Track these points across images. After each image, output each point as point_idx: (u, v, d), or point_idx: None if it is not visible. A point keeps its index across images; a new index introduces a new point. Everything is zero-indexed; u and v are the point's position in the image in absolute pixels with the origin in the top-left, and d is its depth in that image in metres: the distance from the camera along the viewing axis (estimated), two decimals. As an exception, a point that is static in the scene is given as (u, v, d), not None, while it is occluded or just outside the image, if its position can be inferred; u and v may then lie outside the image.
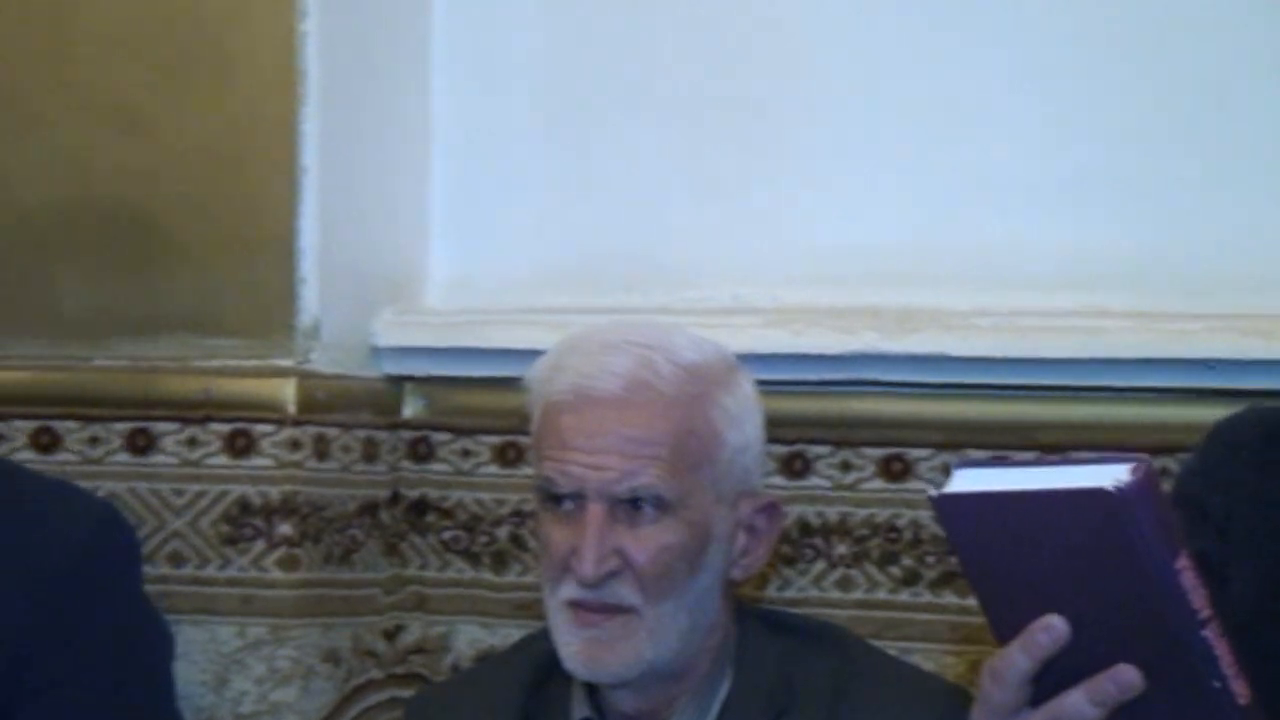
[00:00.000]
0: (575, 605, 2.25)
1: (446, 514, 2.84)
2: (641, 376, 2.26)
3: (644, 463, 2.24)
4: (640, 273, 2.84)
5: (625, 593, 2.25)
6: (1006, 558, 1.71)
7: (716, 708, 2.33)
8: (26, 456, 2.70)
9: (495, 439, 2.83)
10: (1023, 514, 1.69)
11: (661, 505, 2.25)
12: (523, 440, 2.78)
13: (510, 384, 2.77)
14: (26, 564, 2.29)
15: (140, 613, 2.41)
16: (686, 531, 2.25)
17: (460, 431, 2.84)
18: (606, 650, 2.26)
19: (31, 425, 2.72)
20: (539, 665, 2.40)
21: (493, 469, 2.83)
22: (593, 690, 2.35)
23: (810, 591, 2.68)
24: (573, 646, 2.26)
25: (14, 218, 2.75)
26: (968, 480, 1.71)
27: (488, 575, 2.83)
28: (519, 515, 2.81)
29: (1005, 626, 1.74)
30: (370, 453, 2.80)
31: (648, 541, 2.25)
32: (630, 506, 2.25)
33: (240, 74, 2.71)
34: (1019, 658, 1.77)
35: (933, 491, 1.72)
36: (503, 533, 2.83)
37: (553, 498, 2.27)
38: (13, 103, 2.76)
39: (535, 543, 2.74)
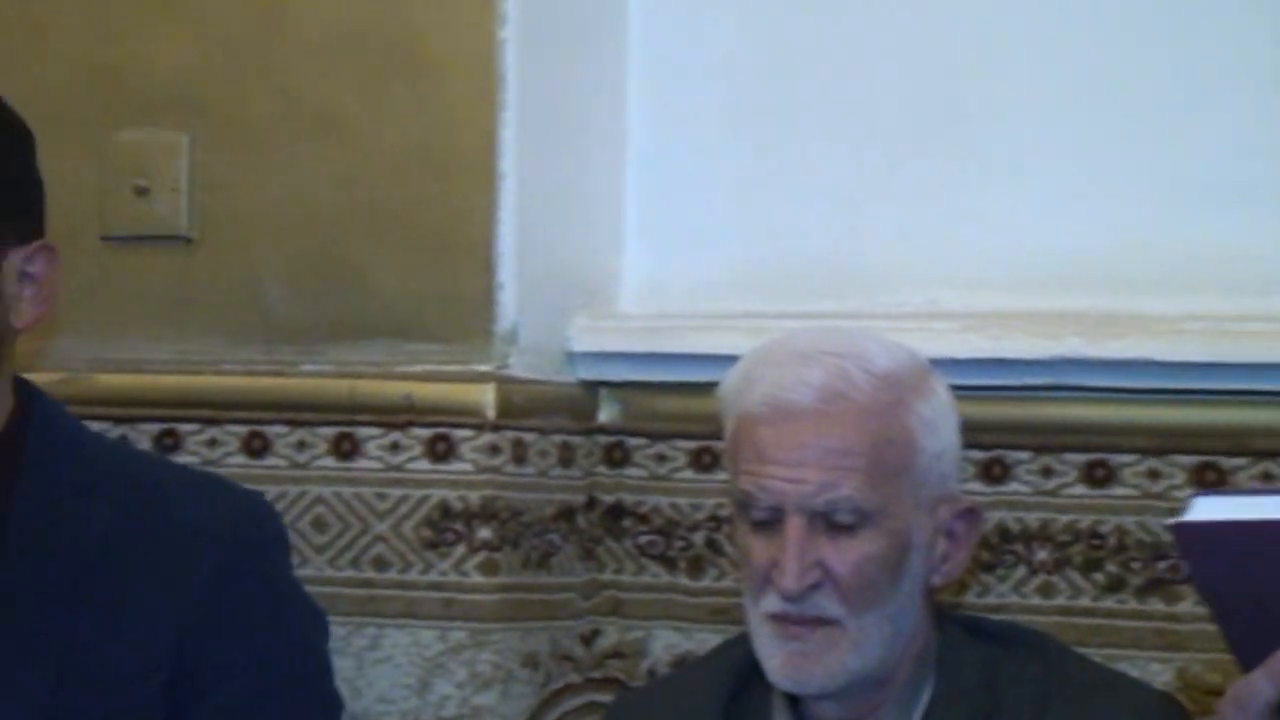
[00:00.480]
0: (778, 618, 2.23)
1: (642, 519, 2.83)
2: (836, 387, 2.23)
3: (842, 474, 2.22)
4: (835, 277, 2.81)
5: (828, 604, 2.23)
6: (1249, 585, 1.68)
7: (919, 714, 2.30)
8: (239, 461, 2.73)
9: (691, 444, 2.81)
10: (1266, 541, 1.65)
11: (861, 516, 2.22)
12: (718, 445, 2.75)
13: (705, 389, 2.74)
14: (180, 561, 2.27)
15: (294, 597, 2.40)
16: (886, 541, 2.22)
17: (655, 436, 2.83)
18: (811, 662, 2.24)
19: (244, 430, 2.75)
20: (738, 672, 2.38)
21: (688, 474, 2.82)
22: (794, 698, 2.32)
23: (1010, 598, 2.64)
24: (776, 659, 2.24)
25: (226, 224, 2.78)
26: (1208, 509, 1.69)
27: (684, 580, 2.81)
28: (715, 520, 2.80)
29: (1248, 653, 1.71)
30: (566, 457, 2.80)
31: (848, 553, 2.22)
32: (829, 518, 2.22)
33: (441, 81, 2.72)
34: (1263, 685, 1.73)
35: (1173, 520, 1.70)
36: (699, 538, 2.81)
37: (749, 511, 2.25)
38: (224, 110, 2.79)
39: (732, 549, 2.74)
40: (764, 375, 2.27)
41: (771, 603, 2.23)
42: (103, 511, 2.26)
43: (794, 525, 2.22)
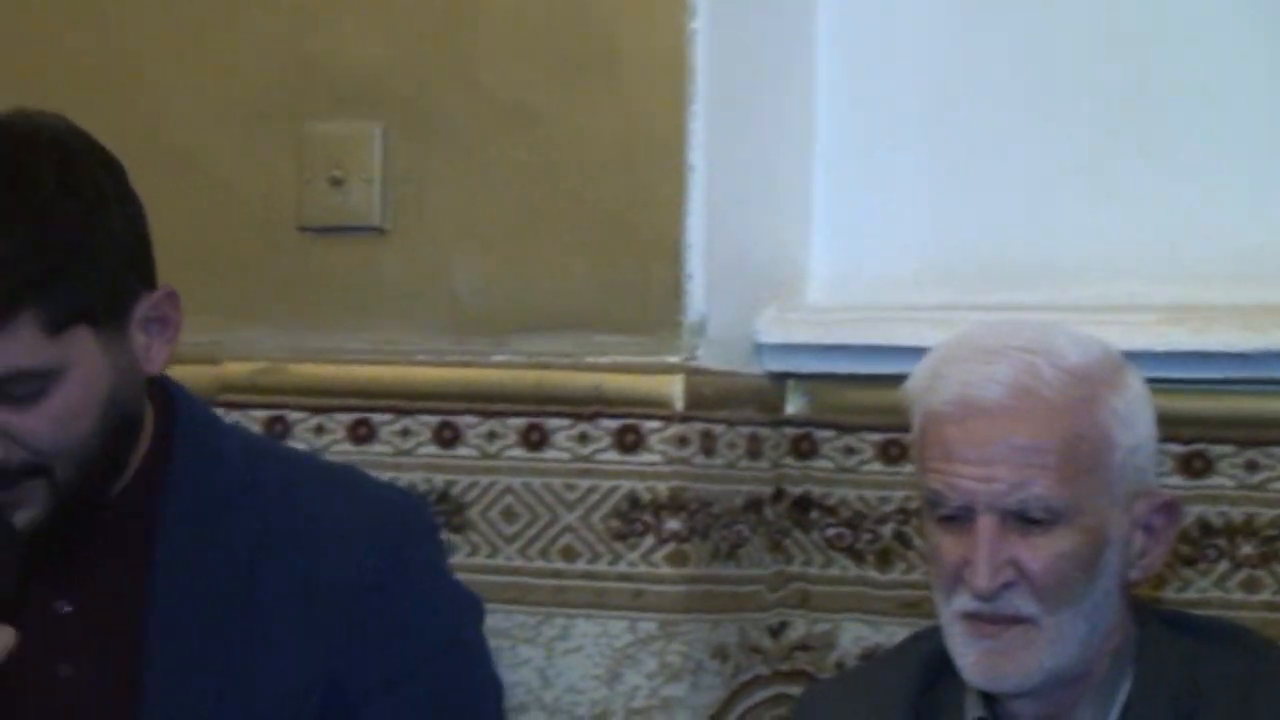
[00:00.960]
0: (970, 616, 2.20)
1: (830, 511, 2.80)
2: (1025, 383, 2.19)
3: (1033, 472, 2.18)
4: (1027, 269, 2.77)
5: (1022, 603, 2.19)
6: None
7: (1117, 710, 2.26)
8: (430, 451, 2.73)
9: (879, 436, 2.78)
10: None
11: (1053, 513, 2.18)
12: (906, 438, 2.70)
13: (894, 381, 2.68)
14: (327, 572, 2.26)
15: (443, 590, 2.36)
16: (1081, 537, 2.18)
17: (843, 428, 2.80)
18: (1006, 660, 2.20)
19: (435, 420, 2.74)
20: (929, 665, 2.35)
21: (876, 466, 2.79)
22: (988, 693, 2.29)
23: (1212, 593, 2.58)
24: (970, 658, 2.21)
25: (417, 215, 2.78)
26: None
27: (872, 573, 2.78)
28: (903, 513, 2.76)
29: None
30: (754, 449, 2.77)
31: (1042, 551, 2.18)
32: (1021, 516, 2.19)
33: (631, 72, 2.70)
34: None
35: None
36: (887, 530, 2.78)
37: (938, 508, 2.22)
38: (416, 102, 2.79)
39: (920, 542, 2.71)
40: (951, 372, 2.23)
41: (964, 601, 2.20)
42: (249, 524, 2.25)
43: (985, 524, 2.19)
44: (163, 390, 2.28)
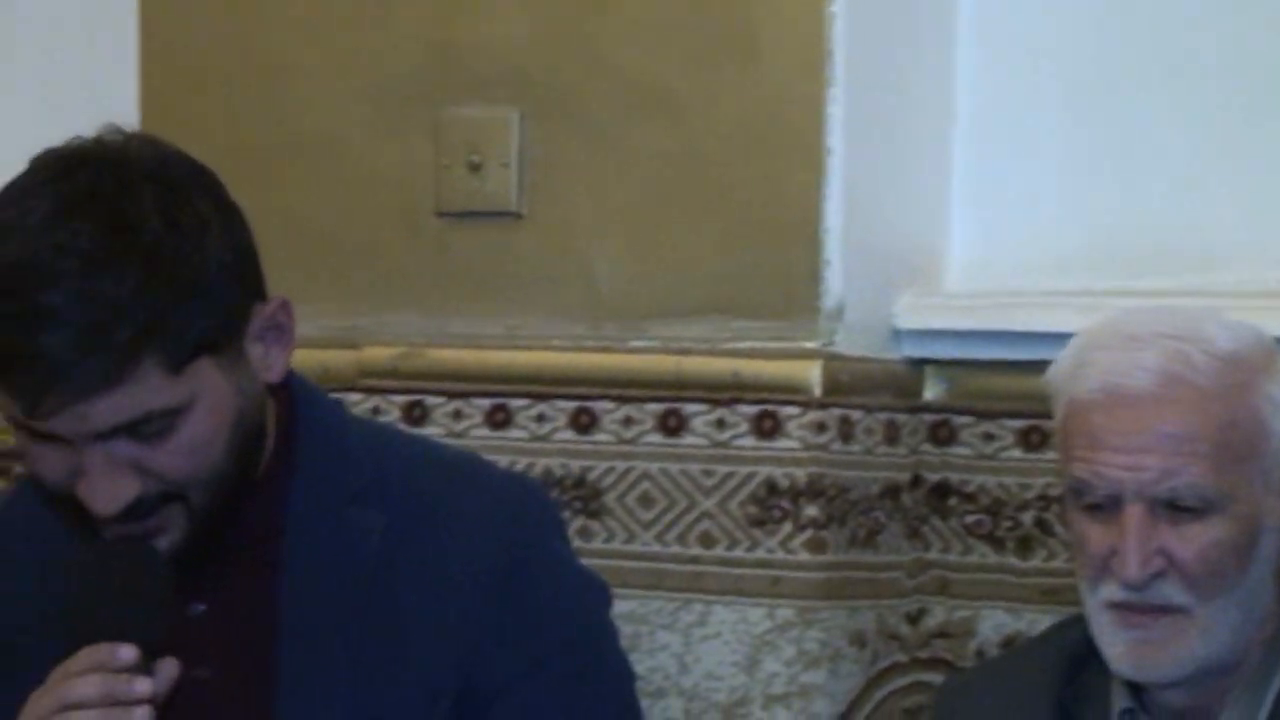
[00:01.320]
0: (1118, 606, 2.15)
1: (969, 498, 2.77)
2: (1175, 371, 2.15)
3: (1184, 460, 2.13)
4: (1173, 253, 2.72)
5: (1173, 592, 2.15)
6: None
7: (1270, 701, 2.21)
8: (566, 436, 2.72)
9: (1019, 423, 2.74)
10: None
11: (1206, 502, 2.13)
12: (1047, 424, 2.67)
13: (1035, 367, 2.65)
14: (457, 568, 2.22)
15: (571, 578, 2.31)
16: (1234, 526, 2.13)
17: (982, 415, 2.76)
18: (1156, 650, 2.16)
19: (571, 406, 2.73)
20: (1073, 655, 2.31)
21: (1016, 453, 2.75)
22: (1136, 683, 2.24)
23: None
24: (1118, 648, 2.16)
25: (554, 200, 2.77)
26: None
27: (1012, 560, 2.74)
28: (1044, 500, 2.72)
29: None
30: (892, 435, 2.74)
31: (1193, 540, 2.14)
32: (1172, 505, 2.14)
33: (770, 56, 2.67)
34: None
35: None
36: (1027, 518, 2.74)
37: (1084, 497, 2.17)
38: (554, 87, 2.78)
39: (1062, 530, 2.68)
40: (1096, 360, 2.18)
41: (1111, 591, 2.15)
42: (376, 518, 2.21)
43: (1133, 513, 2.14)
44: (284, 386, 2.23)
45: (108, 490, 2.04)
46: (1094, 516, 2.17)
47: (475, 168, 2.80)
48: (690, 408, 2.68)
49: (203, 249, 2.06)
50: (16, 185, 2.07)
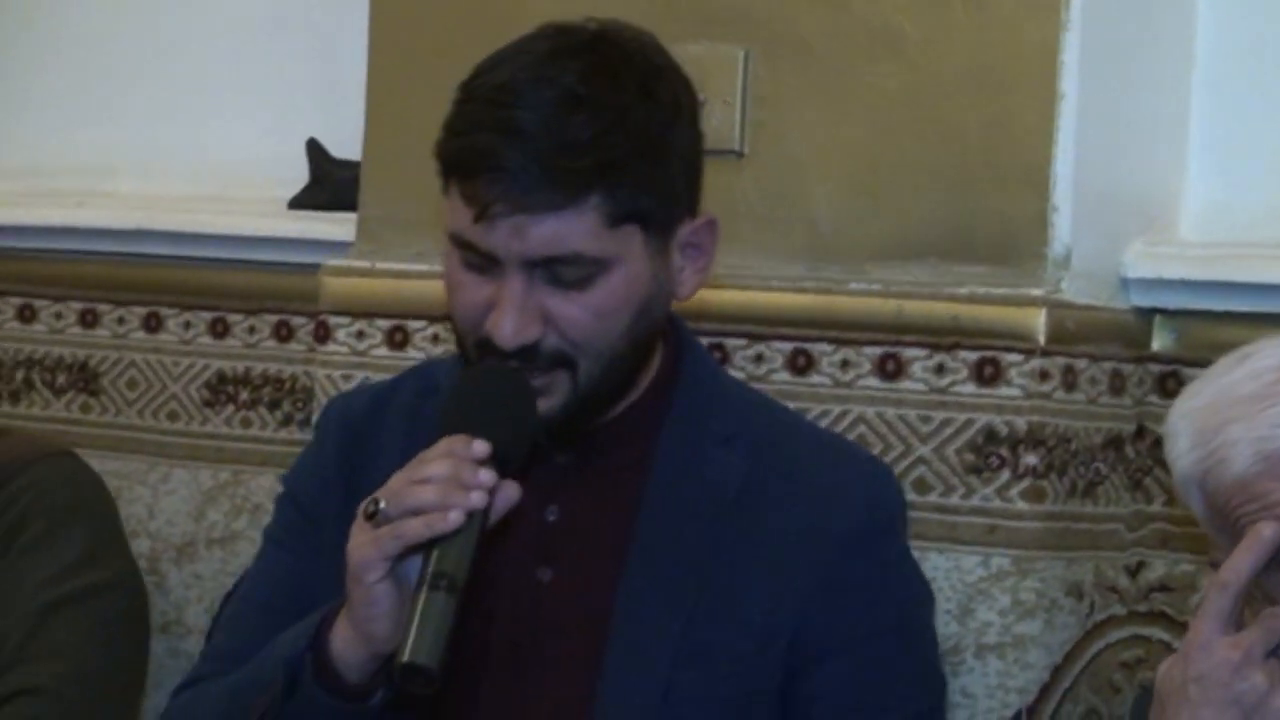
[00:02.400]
0: None
1: (1193, 451, 2.69)
2: None
3: None
4: None
5: None
6: None
7: None
8: (783, 378, 2.68)
9: (1249, 376, 2.66)
10: None
11: None
12: None
13: (1270, 320, 2.59)
14: (811, 523, 2.29)
15: (911, 572, 2.41)
16: None
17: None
18: None
19: (788, 347, 2.69)
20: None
21: (1245, 406, 2.66)
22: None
23: None
24: None
25: (776, 140, 2.74)
26: None
27: (1237, 516, 2.66)
28: (1274, 455, 2.64)
29: None
30: (1117, 385, 2.66)
31: None
32: None
33: (1001, -2, 2.60)
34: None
35: None
36: (1254, 472, 2.66)
37: None
38: (781, 25, 2.72)
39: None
40: (1237, 435, 2.12)
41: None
42: (739, 463, 2.30)
43: None
44: (676, 329, 2.38)
45: (515, 322, 2.18)
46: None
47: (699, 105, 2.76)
48: (909, 352, 2.63)
49: (669, 129, 2.22)
50: (521, 37, 2.27)
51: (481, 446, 2.12)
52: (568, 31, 2.25)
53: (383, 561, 2.10)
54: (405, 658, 2.05)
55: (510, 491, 2.13)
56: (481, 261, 2.20)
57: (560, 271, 2.18)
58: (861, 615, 2.29)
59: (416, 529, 2.08)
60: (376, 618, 2.11)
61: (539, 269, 2.18)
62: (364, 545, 2.11)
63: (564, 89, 2.17)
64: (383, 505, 2.11)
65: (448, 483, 2.09)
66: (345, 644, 2.15)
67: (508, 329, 2.17)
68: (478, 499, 2.09)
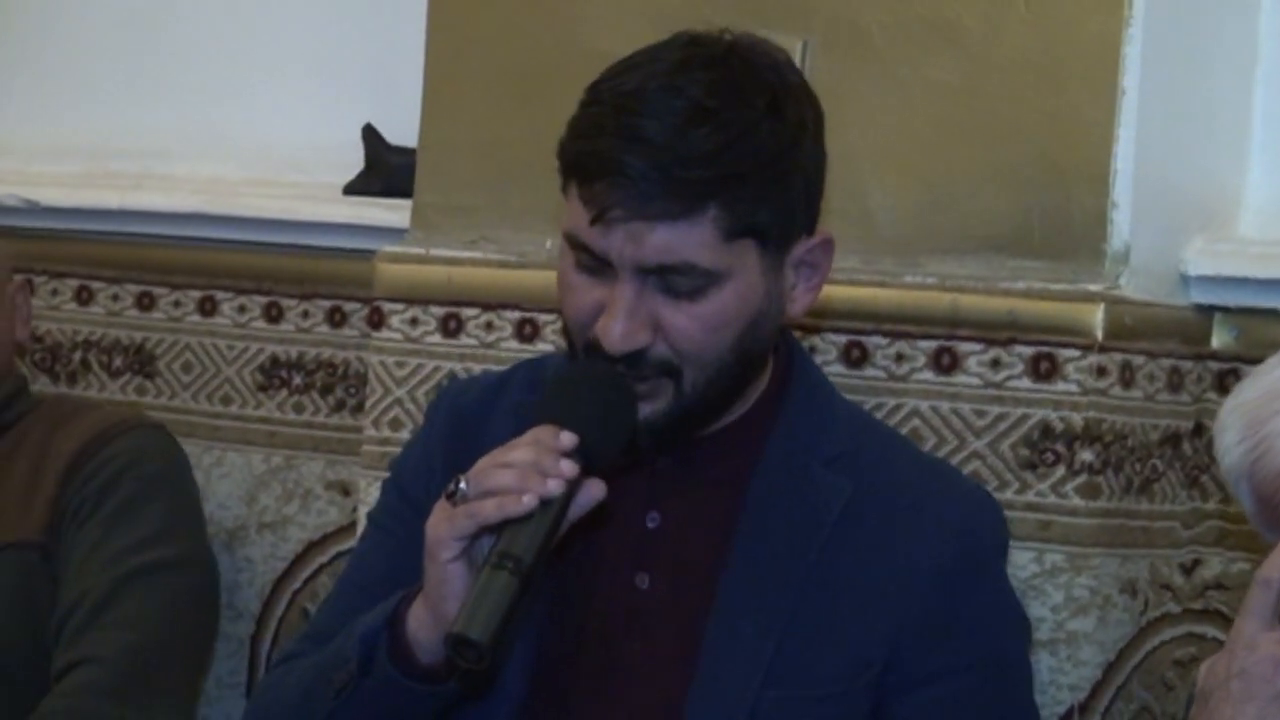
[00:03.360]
0: None
1: (1251, 449, 2.65)
2: None
3: None
4: None
5: None
6: None
7: None
8: (837, 370, 2.64)
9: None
10: None
11: None
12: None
13: (1330, 319, 2.59)
14: (914, 552, 2.28)
15: (1011, 604, 2.39)
16: None
17: (1270, 364, 2.64)
18: None
19: (843, 339, 2.65)
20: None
21: (1304, 406, 2.62)
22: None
23: None
24: None
25: (833, 130, 2.66)
26: None
27: (1295, 516, 2.63)
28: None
29: None
30: (1175, 382, 2.62)
31: None
32: None
33: (1064, -9, 2.56)
34: None
35: None
36: (1311, 472, 2.62)
37: None
38: (840, 16, 2.69)
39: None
40: None
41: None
42: (844, 486, 2.28)
43: None
44: (788, 345, 2.36)
45: (624, 328, 2.17)
46: None
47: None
48: (964, 346, 2.59)
49: (792, 149, 2.20)
50: (654, 44, 2.25)
51: (568, 438, 2.12)
52: (701, 42, 2.24)
53: (456, 540, 2.10)
54: (455, 629, 2.04)
55: (594, 490, 2.12)
56: (595, 264, 2.19)
57: (673, 280, 2.17)
58: (953, 650, 2.26)
59: (489, 509, 2.08)
60: (448, 597, 2.10)
61: (652, 277, 2.17)
62: (440, 524, 2.11)
63: (691, 100, 2.16)
64: (463, 486, 2.11)
65: (527, 468, 2.09)
66: (420, 624, 2.15)
67: (616, 333, 2.17)
68: (554, 486, 2.08)
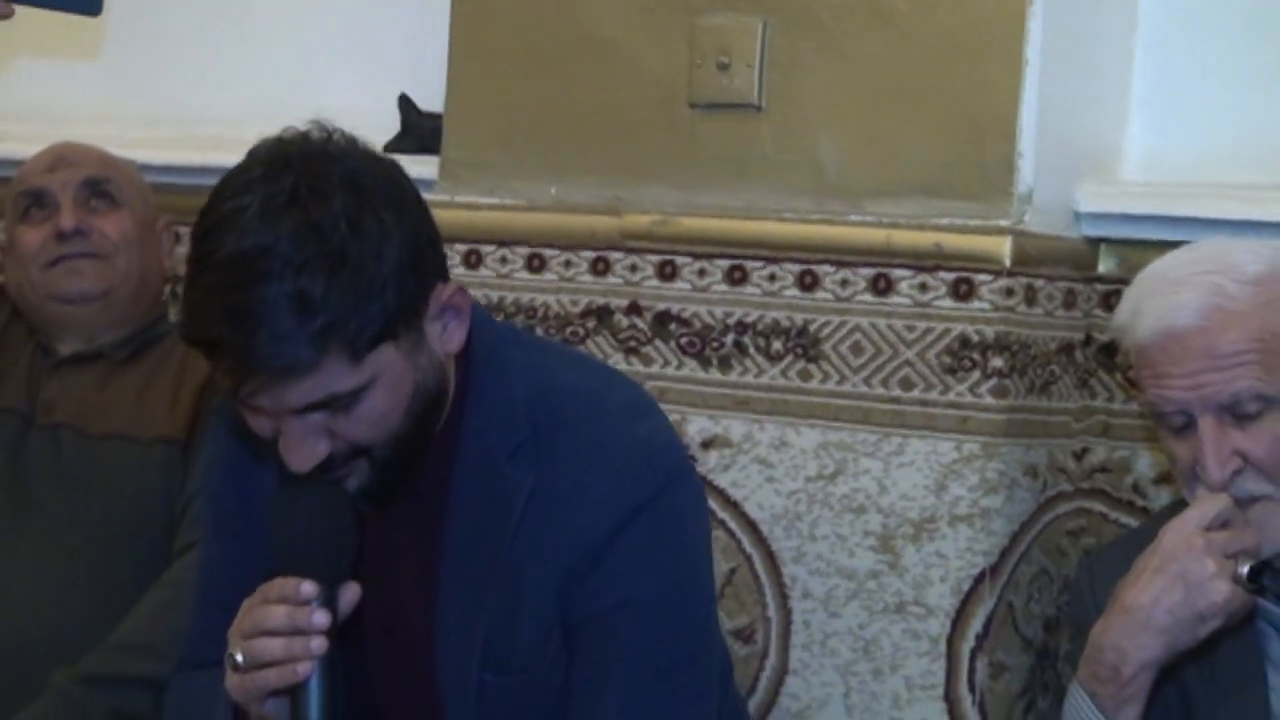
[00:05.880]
0: None
1: (1132, 356, 2.59)
2: (1213, 303, 2.04)
3: (1236, 372, 2.02)
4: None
5: (1253, 485, 2.03)
6: None
7: None
8: (793, 294, 2.57)
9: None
10: None
11: (1264, 402, 2.02)
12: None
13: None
14: (579, 520, 2.06)
15: (679, 523, 2.10)
16: None
17: (1145, 287, 2.58)
18: (1258, 535, 2.03)
19: (797, 268, 2.58)
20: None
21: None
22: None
23: None
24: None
25: (789, 97, 2.63)
26: None
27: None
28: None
29: None
30: (1069, 301, 2.56)
31: (1260, 437, 2.02)
32: (1235, 412, 2.03)
33: (980, -23, 2.48)
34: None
35: None
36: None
37: (1164, 419, 2.08)
38: (796, 5, 2.60)
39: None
40: (1148, 308, 2.09)
41: (1203, 494, 2.05)
42: (525, 480, 2.05)
43: (1205, 424, 2.03)
44: (464, 349, 2.07)
45: (302, 451, 1.95)
46: (1178, 436, 2.07)
47: (723, 67, 2.64)
48: (898, 273, 2.52)
49: (380, 255, 1.92)
50: (236, 178, 1.97)
51: (309, 588, 1.93)
52: (274, 178, 1.94)
53: (257, 700, 1.96)
54: None
55: (350, 594, 1.96)
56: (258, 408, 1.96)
57: (327, 405, 1.94)
58: (601, 595, 2.04)
59: (273, 679, 1.93)
60: None
61: (308, 413, 1.94)
62: (236, 689, 1.97)
63: (283, 259, 1.87)
64: (238, 658, 1.95)
65: (290, 635, 1.92)
66: None
67: (295, 460, 1.95)
68: (319, 643, 1.92)
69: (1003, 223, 2.48)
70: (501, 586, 2.06)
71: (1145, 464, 2.58)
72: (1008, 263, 2.47)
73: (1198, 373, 2.04)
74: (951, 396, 2.49)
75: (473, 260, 2.84)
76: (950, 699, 2.48)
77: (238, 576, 2.09)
